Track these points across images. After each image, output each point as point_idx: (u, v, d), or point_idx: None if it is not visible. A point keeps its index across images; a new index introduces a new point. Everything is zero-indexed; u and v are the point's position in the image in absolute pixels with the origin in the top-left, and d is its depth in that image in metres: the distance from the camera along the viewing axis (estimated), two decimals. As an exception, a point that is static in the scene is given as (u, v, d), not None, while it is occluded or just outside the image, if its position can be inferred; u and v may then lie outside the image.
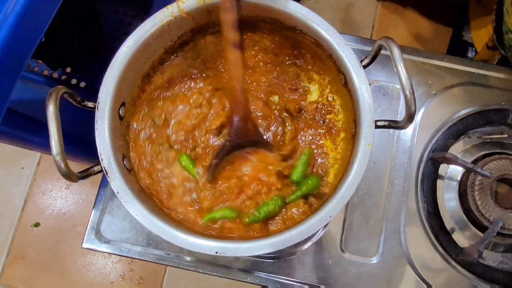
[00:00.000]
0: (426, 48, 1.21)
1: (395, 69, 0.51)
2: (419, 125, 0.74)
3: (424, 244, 0.69)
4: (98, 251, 0.74)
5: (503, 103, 0.74)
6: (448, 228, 0.70)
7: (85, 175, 0.52)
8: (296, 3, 0.58)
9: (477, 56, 0.97)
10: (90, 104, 0.55)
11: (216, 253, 0.51)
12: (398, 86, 0.77)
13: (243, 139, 0.58)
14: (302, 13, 0.57)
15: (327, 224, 0.70)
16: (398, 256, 0.68)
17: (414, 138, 0.73)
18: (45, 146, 0.79)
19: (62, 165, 0.48)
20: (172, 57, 0.65)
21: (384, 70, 0.76)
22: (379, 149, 0.73)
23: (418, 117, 0.74)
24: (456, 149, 0.74)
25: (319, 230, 0.70)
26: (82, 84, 1.00)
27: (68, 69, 1.01)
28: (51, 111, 0.48)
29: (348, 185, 0.52)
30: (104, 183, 0.74)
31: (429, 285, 0.68)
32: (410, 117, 0.50)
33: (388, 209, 0.70)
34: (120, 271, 1.27)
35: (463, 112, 0.73)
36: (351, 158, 0.55)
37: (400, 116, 0.74)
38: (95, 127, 0.54)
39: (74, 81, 1.01)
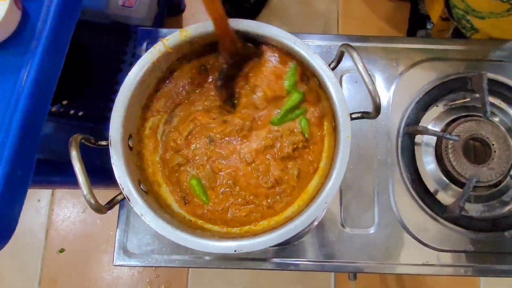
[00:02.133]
0: (389, 25, 1.30)
1: (357, 69, 0.59)
2: (391, 104, 0.82)
3: (413, 209, 0.78)
4: (129, 266, 0.83)
5: (461, 72, 0.82)
6: (431, 190, 0.79)
7: (111, 205, 0.60)
8: (262, 24, 0.66)
9: (434, 27, 1.06)
10: (103, 143, 0.63)
11: (235, 251, 0.60)
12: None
13: (235, 56, 0.67)
14: (273, 32, 0.65)
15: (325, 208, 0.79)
16: (392, 223, 0.78)
17: (389, 117, 0.82)
18: (61, 183, 0.87)
19: (93, 201, 0.56)
20: (165, 83, 0.73)
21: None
22: (361, 132, 0.82)
23: (390, 97, 0.83)
24: (428, 119, 0.83)
25: (320, 215, 0.79)
26: (80, 113, 1.07)
27: (65, 102, 1.08)
28: (75, 156, 0.56)
29: (336, 174, 0.61)
30: (122, 205, 0.82)
31: (424, 243, 0.77)
32: (377, 109, 0.59)
33: (377, 184, 0.79)
34: (146, 279, 1.37)
35: (428, 86, 0.82)
36: (335, 150, 0.64)
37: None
38: (112, 162, 0.62)
39: (72, 112, 1.08)
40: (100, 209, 0.57)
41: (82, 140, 0.60)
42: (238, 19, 0.65)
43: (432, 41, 0.84)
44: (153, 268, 1.36)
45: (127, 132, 0.65)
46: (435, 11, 0.99)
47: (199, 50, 0.70)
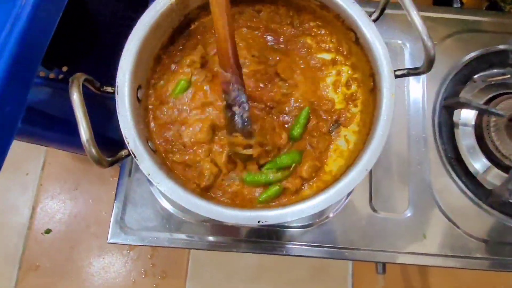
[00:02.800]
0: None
1: (408, 18, 0.51)
2: (426, 77, 0.75)
3: (453, 191, 0.70)
4: (125, 245, 0.73)
5: (500, 45, 0.75)
6: (472, 172, 0.71)
7: (114, 159, 0.51)
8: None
9: (464, 6, 0.99)
10: (109, 89, 0.55)
11: (259, 222, 0.51)
12: (399, 42, 0.78)
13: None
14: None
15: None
16: (429, 206, 0.69)
17: (424, 90, 0.74)
18: (58, 141, 0.78)
19: (93, 150, 0.47)
20: (180, 37, 0.65)
21: (384, 27, 0.77)
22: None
23: (424, 69, 0.75)
24: (465, 95, 0.75)
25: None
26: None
27: (65, 68, 0.99)
28: (76, 97, 0.47)
29: (379, 135, 0.52)
30: (123, 173, 0.73)
31: (466, 232, 0.69)
32: (430, 61, 0.51)
33: (411, 161, 0.71)
34: (141, 268, 1.25)
35: (466, 58, 0.75)
36: (375, 111, 0.56)
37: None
38: (117, 111, 0.53)
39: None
40: (101, 161, 0.48)
41: (85, 82, 0.51)
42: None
43: (466, 12, 0.78)
44: (149, 256, 1.26)
45: (136, 80, 0.56)
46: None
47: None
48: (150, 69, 0.61)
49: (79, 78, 0.49)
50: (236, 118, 0.55)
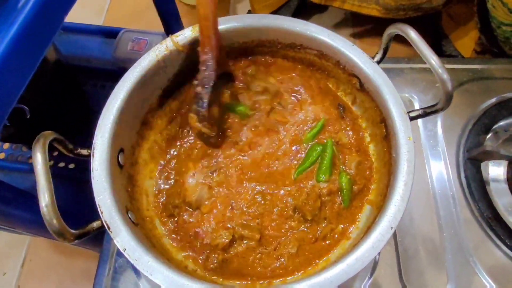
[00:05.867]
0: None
1: (419, 52, 0.46)
2: (443, 129, 0.68)
3: (498, 257, 0.58)
4: None
5: (519, 91, 0.70)
6: (517, 233, 0.60)
7: (82, 232, 0.42)
8: (292, 19, 0.56)
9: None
10: (84, 152, 0.48)
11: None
12: (407, 95, 0.73)
13: (220, 69, 0.53)
14: (300, 26, 0.55)
15: (378, 256, 0.59)
16: (473, 279, 0.56)
17: (442, 142, 0.67)
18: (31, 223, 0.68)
19: (53, 219, 0.38)
20: (171, 99, 0.60)
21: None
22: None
23: (438, 121, 0.69)
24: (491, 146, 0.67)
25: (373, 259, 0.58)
26: (71, 166, 0.93)
27: (55, 153, 0.94)
28: (39, 158, 0.40)
29: (401, 185, 0.44)
30: (101, 268, 0.61)
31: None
32: (448, 95, 0.45)
33: (441, 225, 0.60)
34: None
35: (482, 106, 0.69)
36: (393, 158, 0.48)
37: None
38: (91, 175, 0.46)
39: (62, 164, 0.94)
40: (63, 233, 0.39)
41: (55, 143, 0.45)
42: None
43: (475, 61, 0.74)
44: None
45: (117, 142, 0.50)
46: (467, 46, 0.91)
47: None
48: (136, 133, 0.55)
49: (46, 136, 0.43)
50: (198, 99, 0.52)
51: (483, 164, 0.65)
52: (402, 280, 0.57)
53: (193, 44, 0.55)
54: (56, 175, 0.94)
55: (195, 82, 0.53)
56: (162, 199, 0.54)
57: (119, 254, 0.61)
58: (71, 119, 0.95)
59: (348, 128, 0.57)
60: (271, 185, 0.53)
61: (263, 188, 0.53)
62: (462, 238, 0.59)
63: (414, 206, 0.62)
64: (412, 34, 0.46)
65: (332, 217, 0.51)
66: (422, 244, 0.59)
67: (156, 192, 0.55)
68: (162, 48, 0.54)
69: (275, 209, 0.51)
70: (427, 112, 0.48)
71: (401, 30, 0.47)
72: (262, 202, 0.52)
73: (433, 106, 0.47)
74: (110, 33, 1.01)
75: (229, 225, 0.51)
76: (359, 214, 0.51)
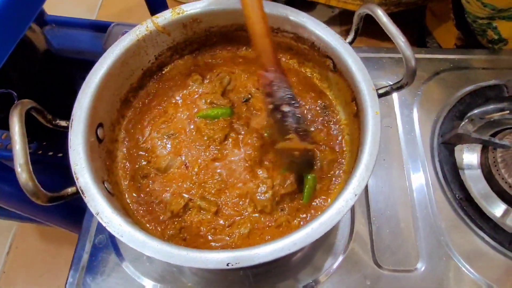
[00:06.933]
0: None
1: (387, 32, 0.48)
2: (418, 115, 0.70)
3: (468, 237, 0.59)
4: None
5: (493, 80, 0.72)
6: (489, 215, 0.61)
7: (57, 196, 0.43)
8: (268, 2, 0.58)
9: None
10: (63, 123, 0.49)
11: (228, 265, 0.41)
12: (384, 83, 0.74)
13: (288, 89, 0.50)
14: (276, 9, 0.57)
15: (352, 235, 0.60)
16: (444, 257, 0.58)
17: (417, 128, 0.68)
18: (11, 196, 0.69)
19: (28, 179, 0.40)
20: (151, 81, 0.62)
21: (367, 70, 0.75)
22: (385, 146, 0.67)
23: (414, 108, 0.70)
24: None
25: (347, 239, 0.60)
26: (60, 155, 0.94)
27: (44, 143, 0.96)
28: (15, 122, 0.42)
29: (367, 156, 0.45)
30: (84, 233, 0.62)
31: (489, 284, 0.56)
32: (411, 72, 0.47)
33: (415, 206, 0.61)
34: None
35: (458, 94, 0.70)
36: (361, 132, 0.49)
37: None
38: (69, 145, 0.47)
39: (50, 153, 0.95)
40: (37, 194, 0.41)
41: (34, 112, 0.46)
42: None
43: (452, 51, 0.76)
44: None
45: (96, 117, 0.51)
46: (449, 42, 0.93)
47: (193, 40, 0.61)
48: (116, 110, 0.57)
49: (24, 104, 0.44)
50: (289, 118, 0.48)
51: (457, 151, 0.67)
52: (374, 258, 0.58)
53: (173, 25, 0.57)
54: (44, 162, 0.96)
55: (270, 106, 0.50)
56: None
57: (99, 230, 0.63)
58: (60, 108, 0.96)
59: (325, 125, 0.58)
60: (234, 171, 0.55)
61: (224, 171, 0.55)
62: (435, 218, 0.60)
63: (388, 188, 0.64)
64: (380, 14, 0.48)
65: (290, 210, 0.52)
66: (395, 224, 0.60)
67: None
68: (143, 28, 0.56)
69: (235, 192, 0.53)
70: (393, 88, 0.50)
71: (370, 10, 0.49)
72: (220, 179, 0.53)
73: (398, 82, 0.49)
74: (101, 27, 1.03)
75: (186, 195, 0.53)
76: (318, 212, 0.52)
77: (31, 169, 0.41)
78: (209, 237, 0.51)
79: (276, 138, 0.50)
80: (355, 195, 0.43)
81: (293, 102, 0.49)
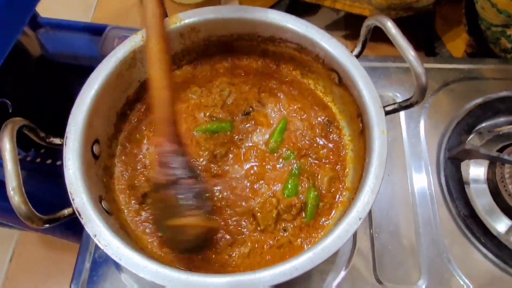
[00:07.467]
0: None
1: (396, 45, 0.46)
2: (425, 128, 0.68)
3: (472, 255, 0.58)
4: None
5: (504, 92, 0.69)
6: (493, 232, 0.59)
7: (52, 218, 0.42)
8: (270, 10, 0.56)
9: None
10: (57, 141, 0.48)
11: (229, 291, 0.40)
12: (390, 94, 0.72)
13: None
14: (278, 18, 0.55)
15: (353, 251, 0.59)
16: (446, 275, 0.56)
17: (424, 141, 0.66)
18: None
19: (21, 203, 0.38)
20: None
21: (372, 80, 0.73)
22: (390, 160, 0.65)
23: (421, 121, 0.68)
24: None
25: (349, 254, 0.58)
26: (58, 163, 0.92)
27: (42, 150, 0.94)
28: (6, 144, 0.40)
29: (373, 178, 0.43)
30: (83, 249, 0.61)
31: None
32: (422, 89, 0.45)
33: (418, 222, 0.60)
34: None
35: (467, 106, 0.68)
36: (366, 152, 0.48)
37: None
38: (64, 164, 0.46)
39: (49, 161, 0.93)
40: (31, 218, 0.39)
41: (26, 130, 0.44)
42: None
43: (464, 61, 0.73)
44: None
45: (92, 133, 0.50)
46: (459, 48, 0.91)
47: (192, 50, 0.59)
48: (112, 125, 0.55)
49: (16, 122, 0.43)
50: (189, 194, 0.43)
51: (464, 165, 0.65)
52: (376, 274, 0.57)
53: (170, 35, 0.55)
54: (35, 170, 0.94)
55: (165, 179, 0.44)
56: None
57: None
58: (57, 116, 0.94)
59: (328, 141, 0.56)
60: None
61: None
62: (438, 235, 0.59)
63: (392, 203, 0.62)
64: (390, 26, 0.46)
65: (293, 229, 0.51)
66: (397, 240, 0.59)
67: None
68: (138, 39, 0.53)
69: (236, 210, 0.51)
70: (402, 106, 0.48)
71: (379, 22, 0.47)
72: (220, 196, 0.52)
73: (407, 100, 0.47)
74: (97, 30, 1.00)
75: None
76: (321, 232, 0.51)
77: (24, 192, 0.39)
78: (210, 256, 0.50)
79: (169, 214, 0.44)
80: (359, 219, 0.42)
81: (193, 175, 0.44)
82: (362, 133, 0.51)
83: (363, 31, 0.50)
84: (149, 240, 0.51)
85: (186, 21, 0.55)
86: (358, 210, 0.42)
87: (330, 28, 1.13)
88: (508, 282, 0.56)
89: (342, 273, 0.58)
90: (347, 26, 1.12)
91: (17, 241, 1.20)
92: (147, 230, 0.52)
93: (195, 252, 0.48)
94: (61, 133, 0.48)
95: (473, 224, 0.59)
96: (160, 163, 0.44)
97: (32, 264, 1.17)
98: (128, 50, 0.53)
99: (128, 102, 0.57)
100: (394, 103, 0.48)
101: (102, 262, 0.60)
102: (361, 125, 0.51)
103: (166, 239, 0.48)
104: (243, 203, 0.52)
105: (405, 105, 0.47)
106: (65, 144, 0.47)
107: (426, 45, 1.04)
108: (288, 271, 0.40)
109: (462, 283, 0.56)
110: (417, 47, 1.06)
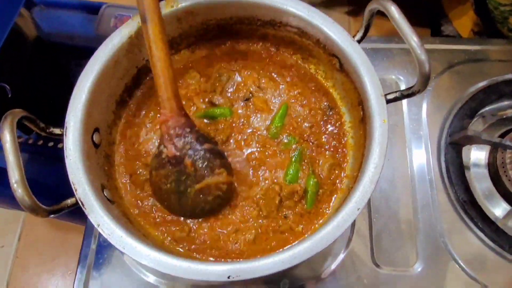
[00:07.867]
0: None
1: (399, 31, 0.45)
2: (427, 112, 0.67)
3: (469, 239, 0.59)
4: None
5: (509, 75, 0.68)
6: (491, 217, 0.60)
7: (56, 209, 0.43)
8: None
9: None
10: (57, 131, 0.47)
11: (229, 277, 0.41)
12: (393, 77, 0.71)
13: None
14: (279, 1, 0.53)
15: (352, 235, 0.60)
16: (442, 259, 0.58)
17: (425, 126, 0.66)
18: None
19: (24, 195, 0.39)
20: (148, 78, 0.59)
21: (375, 62, 0.72)
22: (390, 145, 0.65)
23: (424, 105, 0.68)
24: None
25: (346, 245, 0.59)
26: (60, 145, 0.93)
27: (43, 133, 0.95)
28: (7, 136, 0.40)
29: (372, 168, 0.43)
30: (89, 232, 0.62)
31: (486, 286, 0.56)
32: (425, 77, 0.44)
33: (417, 207, 0.60)
34: None
35: (471, 89, 0.67)
36: (366, 141, 0.47)
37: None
38: (65, 154, 0.46)
39: (51, 144, 0.94)
40: (36, 209, 0.40)
41: (26, 121, 0.44)
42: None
43: (469, 41, 0.72)
44: None
45: (91, 122, 0.49)
46: (465, 25, 0.88)
47: (190, 34, 0.58)
48: (111, 112, 0.55)
49: (15, 114, 0.42)
50: (209, 156, 0.48)
51: (465, 149, 0.65)
52: (373, 258, 0.58)
53: (167, 19, 0.53)
54: (37, 152, 0.94)
55: (177, 153, 0.49)
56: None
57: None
58: (55, 98, 0.94)
59: (328, 127, 0.56)
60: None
61: None
62: (436, 220, 0.60)
63: (391, 188, 0.62)
64: (393, 11, 0.45)
65: (293, 217, 0.51)
66: (396, 225, 0.60)
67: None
68: (134, 24, 0.52)
69: (239, 196, 0.52)
70: (404, 95, 0.47)
71: (383, 6, 0.46)
72: None
73: (409, 88, 0.46)
74: (92, 8, 0.97)
75: None
76: (320, 219, 0.51)
77: (27, 185, 0.40)
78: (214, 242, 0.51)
79: (191, 181, 0.48)
80: (358, 209, 0.42)
81: (208, 139, 0.49)
82: (363, 121, 0.50)
83: (366, 15, 0.49)
84: (153, 227, 0.52)
85: (183, 4, 0.53)
86: (357, 201, 0.42)
87: (332, 4, 1.10)
88: (504, 266, 0.57)
89: (341, 256, 0.59)
90: (350, 2, 1.09)
91: (24, 222, 1.23)
92: (151, 216, 0.52)
93: (215, 212, 0.51)
94: (60, 118, 0.48)
95: (472, 209, 0.59)
96: (172, 136, 0.47)
97: (40, 244, 1.20)
98: (125, 35, 0.52)
99: (126, 89, 0.57)
100: (396, 91, 0.48)
101: (106, 246, 0.62)
102: (361, 112, 0.50)
103: (182, 211, 0.50)
104: (246, 189, 0.52)
105: (407, 94, 0.46)
106: (65, 135, 0.46)
107: (432, 22, 1.01)
108: (288, 259, 0.41)
109: (458, 266, 0.57)
110: (423, 24, 1.04)
